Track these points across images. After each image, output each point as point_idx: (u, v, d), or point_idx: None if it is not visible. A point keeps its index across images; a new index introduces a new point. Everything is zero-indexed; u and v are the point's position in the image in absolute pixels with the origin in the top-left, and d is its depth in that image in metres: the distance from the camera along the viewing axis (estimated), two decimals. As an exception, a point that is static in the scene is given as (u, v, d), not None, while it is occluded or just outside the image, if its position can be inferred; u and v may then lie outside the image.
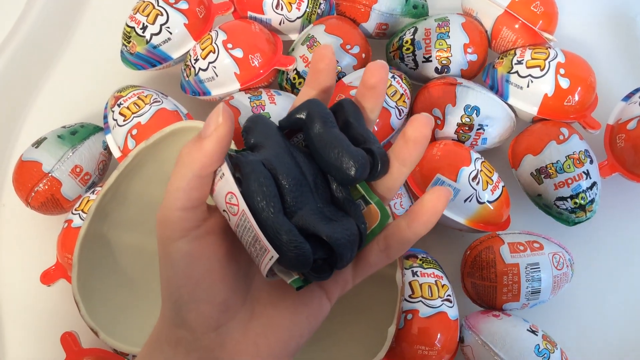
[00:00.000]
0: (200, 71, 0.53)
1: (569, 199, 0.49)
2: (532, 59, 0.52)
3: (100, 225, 0.46)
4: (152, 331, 0.33)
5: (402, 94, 0.52)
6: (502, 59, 0.55)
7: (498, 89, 0.54)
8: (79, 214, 0.49)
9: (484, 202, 0.48)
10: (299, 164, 0.31)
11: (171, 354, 0.31)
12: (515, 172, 0.53)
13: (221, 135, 0.29)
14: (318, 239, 0.29)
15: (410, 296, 0.45)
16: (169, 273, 0.30)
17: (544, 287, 0.46)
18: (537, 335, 0.45)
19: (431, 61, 0.54)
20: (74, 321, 0.49)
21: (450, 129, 0.52)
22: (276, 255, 0.28)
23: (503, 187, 0.50)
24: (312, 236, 0.29)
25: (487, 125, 0.52)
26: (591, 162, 0.50)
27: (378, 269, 0.33)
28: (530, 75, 0.52)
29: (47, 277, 0.51)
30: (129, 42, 0.54)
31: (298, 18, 0.56)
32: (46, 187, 0.50)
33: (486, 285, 0.47)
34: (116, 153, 0.52)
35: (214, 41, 0.53)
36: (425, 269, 0.46)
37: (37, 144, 0.52)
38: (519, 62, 0.53)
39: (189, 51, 0.55)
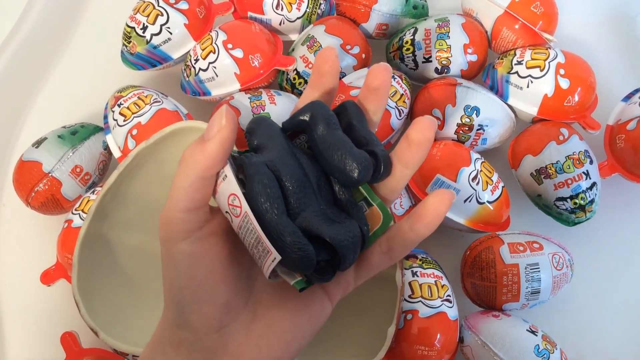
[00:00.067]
0: (201, 71, 0.53)
1: (568, 200, 0.49)
2: (532, 59, 0.52)
3: (100, 225, 0.46)
4: (154, 332, 0.33)
5: (402, 95, 0.52)
6: (502, 59, 0.55)
7: (498, 90, 0.54)
8: (79, 214, 0.49)
9: (484, 203, 0.49)
10: (302, 165, 0.31)
11: (173, 355, 0.31)
12: (515, 173, 0.53)
13: (224, 137, 0.29)
14: (321, 240, 0.29)
15: (410, 296, 0.45)
16: (171, 274, 0.31)
17: (544, 287, 0.46)
18: (536, 335, 0.45)
19: (431, 61, 0.54)
20: (74, 321, 0.49)
21: (450, 129, 0.52)
22: (279, 257, 0.28)
23: (503, 187, 0.50)
24: (315, 238, 0.29)
25: (487, 126, 0.52)
26: (591, 162, 0.50)
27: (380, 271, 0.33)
28: (530, 75, 0.52)
29: (47, 277, 0.51)
30: (129, 42, 0.54)
31: (298, 18, 0.56)
32: (46, 187, 0.50)
33: (486, 286, 0.47)
34: (116, 153, 0.52)
35: (214, 41, 0.53)
36: (425, 269, 0.46)
37: (38, 144, 0.52)
38: (519, 63, 0.53)
39: (189, 51, 0.55)
